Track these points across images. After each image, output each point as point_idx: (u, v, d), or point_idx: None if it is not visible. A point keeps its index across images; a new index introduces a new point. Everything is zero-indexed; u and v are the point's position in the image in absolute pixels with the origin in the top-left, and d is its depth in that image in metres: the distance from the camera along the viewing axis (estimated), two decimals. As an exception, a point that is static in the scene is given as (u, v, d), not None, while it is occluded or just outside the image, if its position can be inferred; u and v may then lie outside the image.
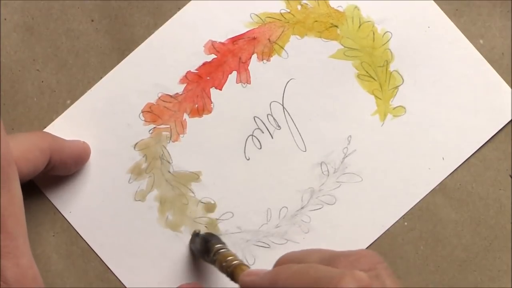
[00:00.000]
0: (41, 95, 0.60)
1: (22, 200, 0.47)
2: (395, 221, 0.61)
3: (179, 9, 0.60)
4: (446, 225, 0.61)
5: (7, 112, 0.60)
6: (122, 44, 0.60)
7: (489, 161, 0.61)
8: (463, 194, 0.61)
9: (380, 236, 0.61)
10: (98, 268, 0.60)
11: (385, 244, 0.61)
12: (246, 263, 0.53)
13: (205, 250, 0.56)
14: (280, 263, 0.51)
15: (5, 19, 0.60)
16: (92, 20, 0.60)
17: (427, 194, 0.61)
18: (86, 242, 0.60)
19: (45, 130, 0.60)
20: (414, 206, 0.61)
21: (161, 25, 0.60)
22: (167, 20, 0.60)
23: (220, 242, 0.56)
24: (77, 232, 0.60)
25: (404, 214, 0.61)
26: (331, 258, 0.47)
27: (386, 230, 0.61)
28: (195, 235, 0.59)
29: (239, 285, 0.50)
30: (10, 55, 0.60)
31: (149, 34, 0.60)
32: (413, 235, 0.61)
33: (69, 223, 0.60)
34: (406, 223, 0.61)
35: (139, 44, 0.60)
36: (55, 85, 0.60)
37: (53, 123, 0.60)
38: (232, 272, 0.51)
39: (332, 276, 0.42)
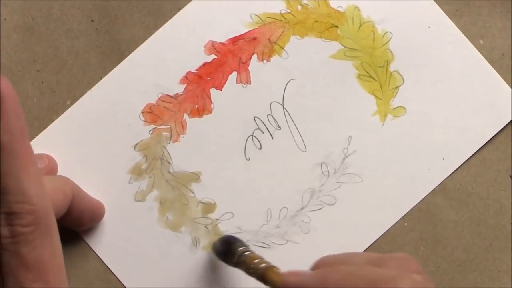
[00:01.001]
0: (41, 95, 0.60)
1: (61, 251, 0.47)
2: (395, 222, 0.61)
3: (179, 9, 0.60)
4: (446, 225, 0.61)
5: (7, 112, 0.60)
6: (122, 45, 0.60)
7: (489, 162, 0.61)
8: (463, 194, 0.61)
9: (380, 236, 0.61)
10: (98, 268, 0.60)
11: (385, 245, 0.61)
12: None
13: (227, 252, 0.56)
14: (319, 265, 0.51)
15: (5, 20, 0.60)
16: (92, 21, 0.60)
17: (427, 195, 0.61)
18: (86, 242, 0.60)
19: (45, 130, 0.60)
20: (414, 206, 0.61)
21: (161, 26, 0.60)
22: (167, 20, 0.60)
23: (244, 244, 0.56)
24: (77, 232, 0.60)
25: (404, 215, 0.61)
26: (379, 260, 0.47)
27: (386, 231, 0.61)
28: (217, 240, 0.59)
29: (278, 286, 0.49)
30: (10, 55, 0.60)
31: (149, 34, 0.60)
32: (413, 235, 0.61)
33: (69, 223, 0.60)
34: (406, 224, 0.61)
35: (139, 45, 0.60)
36: (55, 86, 0.60)
37: (53, 123, 0.60)
38: (262, 274, 0.50)
39: (389, 277, 0.43)
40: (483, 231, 0.61)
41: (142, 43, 0.60)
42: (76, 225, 0.59)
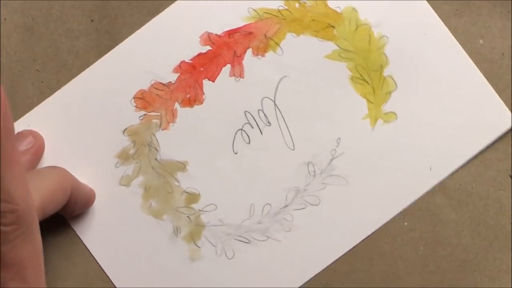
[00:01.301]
0: (41, 95, 0.61)
1: (42, 251, 0.47)
2: (376, 228, 0.60)
3: (179, 9, 0.61)
4: (446, 225, 0.60)
5: (7, 113, 0.61)
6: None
7: (489, 161, 0.60)
8: (463, 194, 0.60)
9: (380, 236, 0.60)
10: (98, 268, 0.61)
11: (385, 244, 0.60)
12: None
13: None
14: None
15: (5, 19, 0.61)
16: (92, 20, 0.61)
17: (423, 195, 0.60)
18: (72, 228, 0.61)
19: (35, 108, 0.61)
20: (414, 206, 0.60)
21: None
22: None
23: None
24: (75, 232, 0.61)
25: (404, 215, 0.60)
26: None
27: (387, 231, 0.60)
28: None
29: None
30: (10, 55, 0.61)
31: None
32: (413, 235, 0.60)
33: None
34: (406, 223, 0.60)
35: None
36: (55, 85, 0.61)
37: (44, 102, 0.61)
38: None
39: None
40: (483, 231, 0.60)
41: (142, 43, 0.61)
42: (68, 213, 0.59)
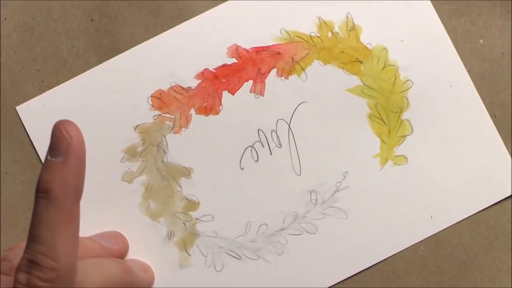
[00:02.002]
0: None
1: None
2: (368, 266, 0.60)
3: (179, 9, 0.61)
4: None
5: (7, 112, 0.60)
6: (122, 44, 0.61)
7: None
8: (464, 193, 0.61)
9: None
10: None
11: (386, 243, 0.61)
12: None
13: None
14: None
15: (5, 19, 0.60)
16: (92, 20, 0.61)
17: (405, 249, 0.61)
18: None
19: (55, 88, 0.61)
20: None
21: (161, 25, 0.61)
22: (167, 20, 0.61)
23: None
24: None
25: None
26: None
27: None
28: None
29: None
30: (10, 55, 0.60)
31: (149, 34, 0.61)
32: (414, 234, 0.61)
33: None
34: (407, 222, 0.61)
35: (138, 44, 0.61)
36: (55, 85, 0.61)
37: (65, 83, 0.61)
38: None
39: None
40: (483, 231, 0.60)
41: (142, 42, 0.61)
42: None
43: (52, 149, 0.45)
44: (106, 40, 0.60)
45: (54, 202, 0.44)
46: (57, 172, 0.44)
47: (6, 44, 0.60)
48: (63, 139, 0.45)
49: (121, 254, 0.59)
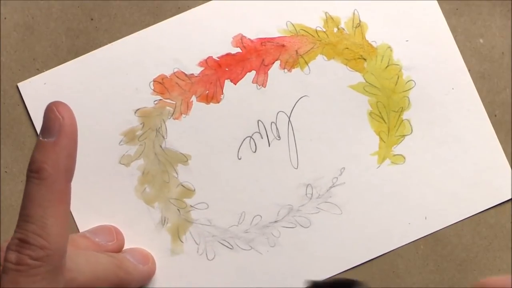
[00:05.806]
0: (41, 94, 0.61)
1: None
2: (360, 263, 0.61)
3: (179, 8, 0.61)
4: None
5: (7, 112, 0.60)
6: (121, 45, 0.61)
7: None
8: (464, 193, 0.61)
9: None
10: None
11: (386, 243, 0.61)
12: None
13: None
14: None
15: (5, 18, 0.60)
16: (92, 19, 0.61)
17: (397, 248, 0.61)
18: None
19: (58, 67, 0.61)
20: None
21: (161, 25, 0.61)
22: (167, 19, 0.61)
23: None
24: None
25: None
26: None
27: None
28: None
29: None
30: (10, 54, 0.60)
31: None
32: (413, 234, 0.61)
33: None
34: (407, 222, 0.61)
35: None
36: (55, 85, 0.61)
37: (68, 62, 0.61)
38: None
39: None
40: (483, 230, 0.60)
41: (142, 42, 0.61)
42: None
43: (45, 130, 0.45)
44: (106, 40, 0.60)
45: (46, 182, 0.44)
46: (49, 152, 0.44)
47: (6, 43, 0.60)
48: (56, 120, 0.45)
49: (116, 251, 0.59)
